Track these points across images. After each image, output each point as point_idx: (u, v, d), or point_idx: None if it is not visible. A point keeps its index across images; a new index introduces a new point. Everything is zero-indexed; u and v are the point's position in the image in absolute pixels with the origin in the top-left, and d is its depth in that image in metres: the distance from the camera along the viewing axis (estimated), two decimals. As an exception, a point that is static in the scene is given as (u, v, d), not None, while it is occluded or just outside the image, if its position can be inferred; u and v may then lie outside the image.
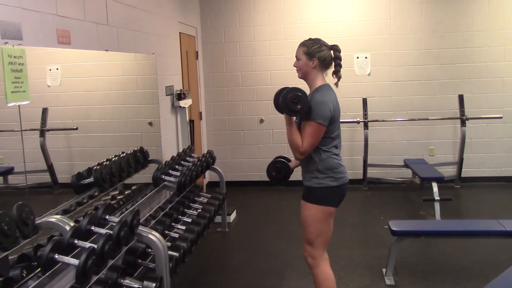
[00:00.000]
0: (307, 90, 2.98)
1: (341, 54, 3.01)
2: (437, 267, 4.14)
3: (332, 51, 2.99)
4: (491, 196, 6.37)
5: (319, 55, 2.93)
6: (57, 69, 3.24)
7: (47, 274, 2.22)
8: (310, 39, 3.01)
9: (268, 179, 3.38)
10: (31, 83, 2.54)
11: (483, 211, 5.77)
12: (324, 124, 2.85)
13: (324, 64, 2.97)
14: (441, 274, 4.01)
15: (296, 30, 6.58)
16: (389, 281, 3.88)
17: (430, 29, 6.63)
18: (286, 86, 2.89)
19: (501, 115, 6.47)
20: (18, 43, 2.46)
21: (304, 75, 3.02)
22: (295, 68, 3.04)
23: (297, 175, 3.23)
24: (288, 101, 2.80)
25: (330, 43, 3.03)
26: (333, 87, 3.02)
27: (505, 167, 6.79)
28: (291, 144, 2.93)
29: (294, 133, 2.90)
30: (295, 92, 2.79)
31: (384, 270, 4.02)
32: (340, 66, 3.00)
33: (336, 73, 3.01)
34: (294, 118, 2.92)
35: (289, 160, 3.35)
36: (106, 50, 3.65)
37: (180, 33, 5.78)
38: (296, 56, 3.01)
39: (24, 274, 2.35)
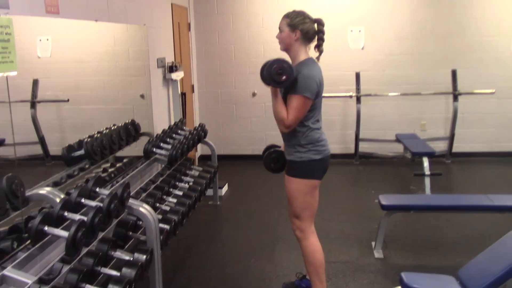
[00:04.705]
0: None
1: (325, 28, 2.97)
2: (426, 241, 4.20)
3: (315, 24, 2.96)
4: (481, 171, 6.43)
5: (302, 27, 2.90)
6: (48, 39, 3.19)
7: (37, 246, 2.23)
8: (294, 11, 2.96)
9: (260, 154, 3.37)
10: (21, 54, 2.50)
11: (473, 186, 5.82)
12: (311, 98, 2.84)
13: (307, 37, 2.93)
14: (430, 247, 4.06)
15: (289, 2, 6.46)
16: (378, 254, 3.93)
17: (425, 2, 6.57)
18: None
19: (494, 91, 6.47)
20: (4, 12, 2.41)
21: (286, 47, 2.98)
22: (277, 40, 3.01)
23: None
24: (273, 72, 2.78)
25: (324, 16, 3.00)
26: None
27: (496, 143, 6.84)
28: (276, 116, 2.92)
29: (280, 105, 2.89)
30: (280, 63, 2.77)
31: (373, 243, 4.06)
32: (323, 40, 2.97)
33: (318, 47, 2.99)
34: (280, 89, 2.89)
35: (279, 147, 3.34)
36: (96, 20, 3.59)
37: (172, 4, 5.69)
38: (279, 28, 2.97)
39: (15, 246, 2.35)
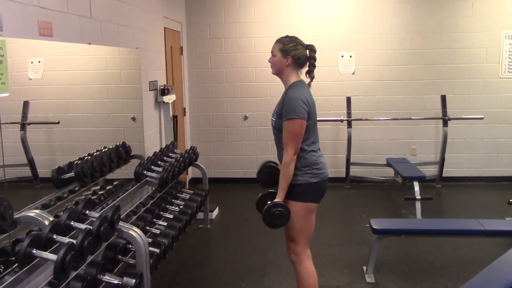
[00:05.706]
0: (282, 88, 3.01)
1: (316, 54, 3.00)
2: (417, 265, 4.18)
3: (307, 51, 2.99)
4: (471, 195, 6.45)
5: (294, 53, 2.94)
6: (39, 62, 3.19)
7: (24, 270, 2.19)
8: (287, 36, 3.01)
9: (253, 177, 3.34)
10: (13, 75, 2.49)
11: (463, 210, 5.83)
12: (303, 117, 2.84)
13: (298, 63, 2.97)
14: (421, 272, 4.05)
15: (281, 28, 6.56)
16: (369, 279, 3.91)
17: (415, 29, 6.68)
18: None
19: (483, 116, 6.55)
20: (-2, 34, 2.42)
21: (277, 72, 3.02)
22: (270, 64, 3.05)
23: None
24: (272, 217, 2.93)
25: (315, 41, 3.04)
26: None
27: (486, 167, 6.88)
28: (291, 168, 2.90)
29: (285, 170, 2.90)
30: (271, 207, 2.92)
31: (364, 268, 4.04)
32: (314, 67, 3.00)
33: (310, 73, 3.01)
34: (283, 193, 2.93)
35: (276, 164, 3.30)
36: (89, 44, 3.61)
37: (165, 28, 5.73)
38: (271, 52, 3.01)
39: (1, 269, 2.31)
